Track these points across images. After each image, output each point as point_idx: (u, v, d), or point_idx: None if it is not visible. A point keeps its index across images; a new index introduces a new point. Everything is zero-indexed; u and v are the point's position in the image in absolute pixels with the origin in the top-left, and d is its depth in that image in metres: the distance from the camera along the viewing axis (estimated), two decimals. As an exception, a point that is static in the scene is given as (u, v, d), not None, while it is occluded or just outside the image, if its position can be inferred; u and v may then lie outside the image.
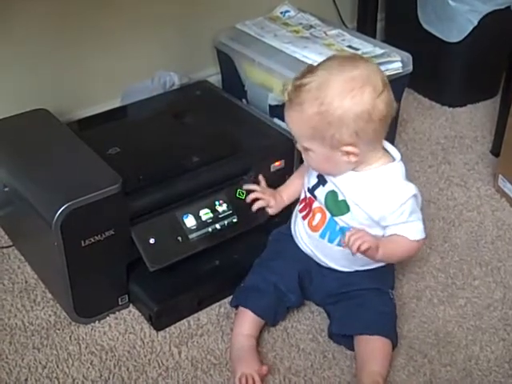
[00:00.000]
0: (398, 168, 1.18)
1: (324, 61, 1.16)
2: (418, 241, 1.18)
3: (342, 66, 1.11)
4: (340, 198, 1.19)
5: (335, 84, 1.09)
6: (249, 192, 1.32)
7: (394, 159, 1.19)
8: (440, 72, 1.96)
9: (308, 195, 1.25)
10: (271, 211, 1.31)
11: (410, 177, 1.22)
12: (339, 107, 1.08)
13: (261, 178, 1.33)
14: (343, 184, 1.18)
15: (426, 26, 1.93)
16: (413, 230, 1.17)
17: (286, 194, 1.33)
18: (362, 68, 1.11)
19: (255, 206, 1.30)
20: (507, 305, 1.33)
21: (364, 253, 1.12)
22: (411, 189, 1.16)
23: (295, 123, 1.15)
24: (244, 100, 1.68)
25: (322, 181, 1.22)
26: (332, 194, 1.20)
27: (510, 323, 1.29)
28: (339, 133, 1.10)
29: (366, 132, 1.10)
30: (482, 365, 1.21)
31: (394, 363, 1.20)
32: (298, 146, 1.19)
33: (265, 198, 1.30)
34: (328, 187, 1.20)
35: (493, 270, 1.42)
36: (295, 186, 1.32)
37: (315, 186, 1.23)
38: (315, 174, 1.23)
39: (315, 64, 1.17)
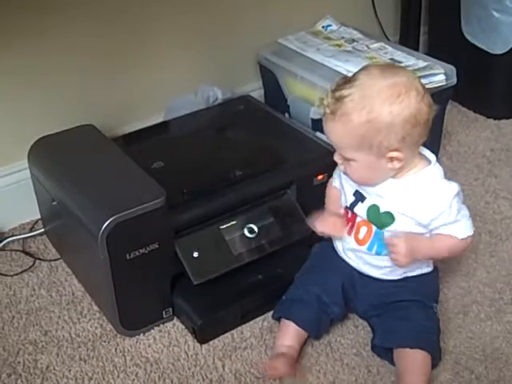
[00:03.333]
0: (436, 170, 1.18)
1: (360, 70, 1.15)
2: (466, 239, 1.18)
3: (384, 73, 1.11)
4: (382, 209, 1.18)
5: (381, 90, 1.09)
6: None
7: (429, 162, 1.18)
8: (484, 84, 1.94)
9: (349, 213, 1.24)
10: (343, 233, 1.26)
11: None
12: (389, 113, 1.08)
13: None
14: (385, 193, 1.17)
15: (469, 38, 1.91)
16: (461, 229, 1.17)
17: (335, 208, 1.29)
18: (402, 74, 1.12)
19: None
20: (557, 320, 1.31)
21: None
22: (454, 187, 1.16)
23: (340, 135, 1.14)
24: (287, 114, 1.68)
25: (359, 197, 1.21)
26: (374, 208, 1.19)
27: (559, 339, 1.27)
28: (387, 139, 1.10)
29: (412, 136, 1.11)
30: (531, 382, 1.19)
31: (440, 379, 1.19)
32: (336, 158, 1.18)
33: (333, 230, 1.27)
34: (367, 202, 1.20)
35: (541, 285, 1.39)
36: (337, 196, 1.29)
37: (353, 204, 1.22)
38: (351, 191, 1.22)
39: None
